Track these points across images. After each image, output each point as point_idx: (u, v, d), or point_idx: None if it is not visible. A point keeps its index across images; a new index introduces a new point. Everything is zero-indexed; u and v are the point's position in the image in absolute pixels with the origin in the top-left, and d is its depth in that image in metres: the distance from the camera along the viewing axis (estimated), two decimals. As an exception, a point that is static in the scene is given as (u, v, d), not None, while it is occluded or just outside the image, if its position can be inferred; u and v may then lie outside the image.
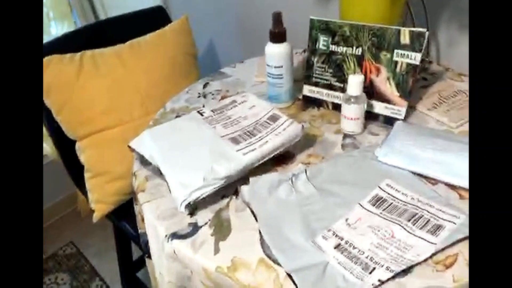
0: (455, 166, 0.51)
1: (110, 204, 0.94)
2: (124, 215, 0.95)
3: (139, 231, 0.62)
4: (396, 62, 0.60)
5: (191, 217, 0.51)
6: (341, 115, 0.63)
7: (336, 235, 0.46)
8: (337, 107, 0.67)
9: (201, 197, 0.50)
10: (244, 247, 0.46)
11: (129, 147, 0.59)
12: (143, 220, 0.56)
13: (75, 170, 0.99)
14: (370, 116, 0.64)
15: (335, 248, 0.44)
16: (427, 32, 0.57)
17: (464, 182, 0.50)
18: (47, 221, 1.57)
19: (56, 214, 1.59)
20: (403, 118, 0.62)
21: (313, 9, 0.97)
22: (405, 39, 0.58)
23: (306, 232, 0.46)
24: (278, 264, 0.43)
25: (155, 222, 0.51)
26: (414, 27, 0.77)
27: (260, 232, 0.47)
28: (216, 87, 0.80)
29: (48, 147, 1.23)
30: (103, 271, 1.38)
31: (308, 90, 0.70)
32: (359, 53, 0.63)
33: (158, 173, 0.56)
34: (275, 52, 0.65)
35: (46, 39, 0.93)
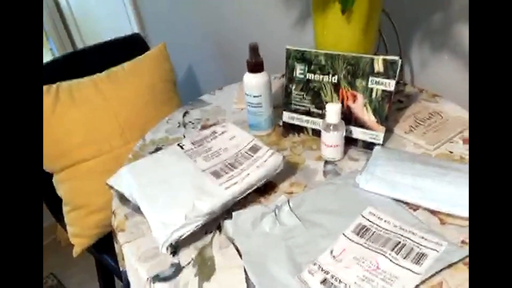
0: (434, 191, 0.52)
1: (90, 238, 0.92)
2: (105, 248, 0.92)
3: (121, 269, 0.60)
4: (372, 89, 0.61)
5: (173, 256, 0.49)
6: (320, 142, 0.63)
7: (322, 268, 0.46)
8: (317, 133, 0.68)
9: (183, 237, 0.49)
10: None
11: (107, 184, 0.58)
12: (123, 258, 0.55)
13: (53, 203, 0.96)
14: (349, 141, 0.65)
15: (321, 283, 0.44)
16: (400, 60, 0.58)
17: (444, 207, 0.51)
18: (25, 254, 1.51)
19: (35, 246, 1.53)
20: (381, 143, 0.63)
21: (289, 36, 0.99)
22: (378, 67, 0.60)
23: (292, 267, 0.46)
24: (264, 303, 0.43)
25: (136, 264, 0.49)
26: (387, 51, 0.79)
27: (245, 270, 0.46)
28: (196, 115, 0.80)
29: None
30: (85, 303, 1.33)
31: (287, 117, 0.70)
32: (335, 81, 0.64)
33: (139, 211, 0.54)
34: (253, 82, 0.66)
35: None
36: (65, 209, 0.92)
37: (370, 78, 0.61)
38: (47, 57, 1.60)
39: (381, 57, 0.59)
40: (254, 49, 0.64)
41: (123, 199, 0.58)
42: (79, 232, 0.92)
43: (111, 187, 0.58)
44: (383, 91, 0.61)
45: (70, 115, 0.88)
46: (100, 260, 0.98)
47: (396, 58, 0.58)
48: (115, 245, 0.60)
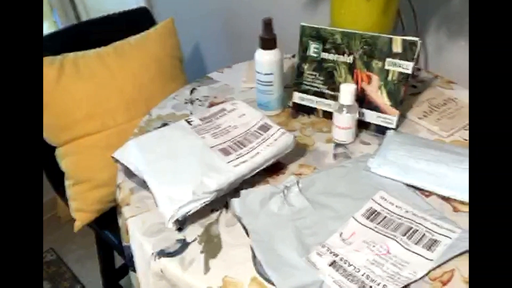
0: (449, 178, 0.51)
1: (92, 213, 0.91)
2: (107, 224, 0.92)
3: (123, 243, 0.59)
4: (388, 71, 0.59)
5: (179, 232, 0.48)
6: (332, 124, 0.61)
7: (331, 251, 0.45)
8: (327, 115, 0.66)
9: (190, 213, 0.47)
10: (235, 265, 0.44)
11: (113, 157, 0.57)
12: (127, 232, 0.54)
13: (55, 176, 0.95)
14: (361, 124, 0.63)
15: (330, 265, 0.43)
16: (419, 41, 0.56)
17: (458, 195, 0.50)
18: (25, 227, 1.51)
19: (35, 220, 1.53)
20: (395, 127, 0.61)
21: (303, 13, 0.96)
22: (397, 47, 0.58)
23: (300, 248, 0.45)
24: (272, 283, 0.42)
25: (141, 238, 0.48)
26: (404, 34, 0.76)
27: (252, 249, 0.45)
28: (204, 93, 0.78)
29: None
30: (84, 278, 1.34)
31: (298, 98, 0.69)
32: (351, 61, 0.62)
33: (144, 185, 0.53)
34: (265, 59, 0.64)
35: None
36: (67, 183, 0.91)
37: (387, 60, 0.59)
38: (51, 29, 1.57)
39: (400, 37, 0.57)
40: (267, 24, 0.62)
41: (128, 172, 0.57)
42: (81, 206, 0.91)
43: (117, 160, 0.56)
44: (400, 73, 0.59)
45: (75, 87, 0.86)
46: (100, 236, 0.98)
47: (416, 39, 0.56)
48: (119, 219, 0.59)
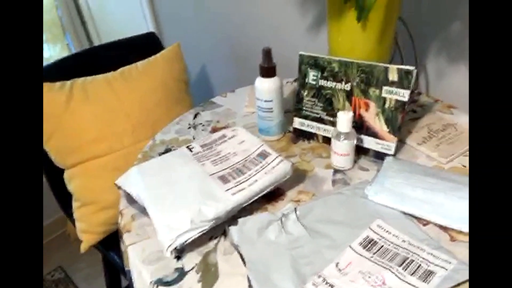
0: (445, 206, 0.51)
1: (98, 234, 0.93)
2: (112, 245, 0.93)
3: (125, 268, 0.60)
4: (385, 99, 0.60)
5: (177, 260, 0.49)
6: (331, 150, 0.62)
7: (326, 281, 0.45)
8: (327, 140, 0.67)
9: (188, 241, 0.48)
10: (231, 295, 0.45)
11: (116, 184, 0.58)
12: (128, 258, 0.55)
13: (64, 198, 0.97)
14: (360, 150, 0.64)
15: (324, 296, 0.43)
16: (415, 70, 0.57)
17: (455, 224, 0.50)
18: (35, 245, 1.54)
19: (45, 238, 1.56)
20: (393, 153, 0.62)
21: (302, 40, 0.98)
22: (393, 76, 0.59)
23: (296, 278, 0.45)
24: (266, 314, 0.42)
25: (140, 266, 0.49)
26: (402, 60, 0.77)
27: (248, 279, 0.46)
28: (207, 117, 0.80)
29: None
30: (91, 298, 1.35)
31: (298, 123, 0.70)
32: (348, 89, 0.63)
33: (145, 212, 0.54)
34: (265, 86, 0.65)
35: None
36: (75, 205, 0.93)
37: (384, 88, 0.60)
38: (63, 52, 1.62)
39: (396, 66, 0.58)
40: (267, 53, 0.64)
41: (130, 199, 0.58)
42: (87, 228, 0.92)
43: (119, 187, 0.58)
44: (397, 101, 0.59)
45: (83, 111, 0.89)
46: (106, 257, 0.99)
47: (411, 68, 0.57)
48: (121, 244, 0.60)
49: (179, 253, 0.50)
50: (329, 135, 0.66)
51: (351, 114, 0.59)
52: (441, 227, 0.51)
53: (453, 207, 0.50)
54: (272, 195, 0.58)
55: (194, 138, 0.73)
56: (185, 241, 0.48)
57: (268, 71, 0.65)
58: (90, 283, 1.39)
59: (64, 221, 1.52)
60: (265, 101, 0.66)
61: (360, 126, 0.63)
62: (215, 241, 0.52)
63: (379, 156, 0.63)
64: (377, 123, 0.62)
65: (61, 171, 0.93)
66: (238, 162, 0.59)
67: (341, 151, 0.60)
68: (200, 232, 0.49)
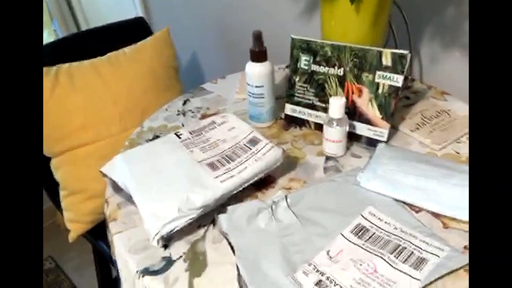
0: (438, 193, 0.50)
1: (86, 224, 0.91)
2: (101, 234, 0.91)
3: (113, 257, 0.59)
4: (378, 84, 0.59)
5: (165, 249, 0.48)
6: (323, 137, 0.61)
7: (317, 269, 0.44)
8: (319, 127, 0.65)
9: (175, 230, 0.47)
10: (219, 285, 0.43)
11: (101, 172, 0.56)
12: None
13: (51, 187, 0.95)
14: (352, 137, 0.63)
15: (315, 284, 0.42)
16: (409, 54, 0.56)
17: (447, 211, 0.49)
18: (24, 235, 1.52)
19: (34, 228, 1.53)
20: (385, 140, 0.61)
21: (294, 25, 0.96)
22: (387, 60, 0.57)
23: (286, 266, 0.44)
24: (255, 303, 0.41)
25: (126, 255, 0.48)
26: (396, 45, 0.76)
27: (237, 267, 0.45)
28: (196, 104, 0.78)
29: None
30: (83, 287, 1.33)
31: (290, 109, 0.68)
32: (341, 74, 0.61)
33: (132, 200, 0.53)
34: (255, 71, 0.63)
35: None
36: (62, 193, 0.91)
37: (377, 73, 0.58)
38: (50, 38, 1.58)
39: (390, 50, 0.57)
40: (257, 37, 0.62)
41: (116, 187, 0.56)
42: (75, 217, 0.91)
43: (105, 175, 0.56)
44: (390, 86, 0.58)
45: (69, 98, 0.86)
46: (96, 246, 0.98)
47: (405, 52, 0.56)
48: (108, 234, 0.58)
49: (166, 241, 0.48)
50: (321, 122, 0.65)
51: (343, 99, 0.57)
52: (434, 214, 0.50)
53: (446, 194, 0.50)
54: (263, 183, 0.56)
55: (183, 125, 0.72)
56: (172, 230, 0.47)
57: (258, 55, 0.63)
58: (81, 273, 1.38)
59: (54, 210, 1.50)
60: (256, 86, 0.65)
61: (352, 112, 0.62)
62: (203, 229, 0.50)
63: (372, 143, 0.62)
64: (370, 109, 0.61)
65: (48, 159, 0.90)
66: (228, 149, 0.57)
67: (333, 138, 0.59)
68: (187, 220, 0.48)
